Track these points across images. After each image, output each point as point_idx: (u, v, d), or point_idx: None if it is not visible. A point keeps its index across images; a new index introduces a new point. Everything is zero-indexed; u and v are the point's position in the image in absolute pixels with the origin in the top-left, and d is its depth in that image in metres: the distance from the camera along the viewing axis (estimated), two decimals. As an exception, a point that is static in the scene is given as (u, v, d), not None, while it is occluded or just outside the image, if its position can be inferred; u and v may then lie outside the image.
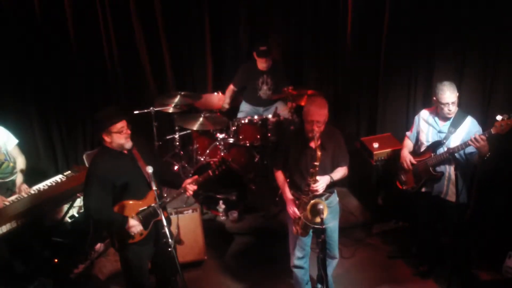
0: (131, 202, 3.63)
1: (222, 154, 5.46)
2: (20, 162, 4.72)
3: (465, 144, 3.90)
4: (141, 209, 3.66)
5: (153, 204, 3.66)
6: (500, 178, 4.67)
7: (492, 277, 4.51)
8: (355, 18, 5.51)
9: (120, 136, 3.51)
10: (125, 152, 3.61)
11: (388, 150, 5.18)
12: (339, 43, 5.87)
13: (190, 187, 3.79)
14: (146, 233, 3.69)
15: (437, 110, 4.16)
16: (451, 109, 4.04)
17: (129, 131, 3.55)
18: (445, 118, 4.14)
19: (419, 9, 5.01)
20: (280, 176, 4.02)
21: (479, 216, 4.74)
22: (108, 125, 3.47)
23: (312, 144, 3.72)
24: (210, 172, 3.85)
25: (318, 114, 3.61)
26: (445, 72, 4.92)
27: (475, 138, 3.77)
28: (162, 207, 3.73)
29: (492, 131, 3.72)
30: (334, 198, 4.01)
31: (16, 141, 4.69)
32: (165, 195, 3.87)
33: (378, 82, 5.64)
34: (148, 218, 3.67)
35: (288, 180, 4.00)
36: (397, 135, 5.38)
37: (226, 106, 6.12)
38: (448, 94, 3.98)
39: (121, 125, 3.49)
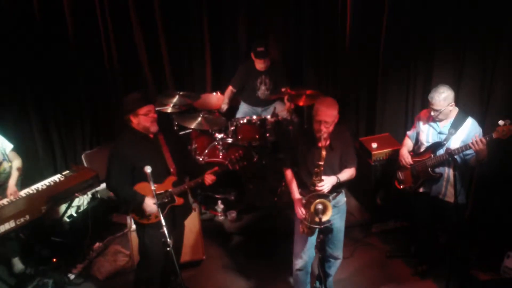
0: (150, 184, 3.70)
1: (239, 151, 5.39)
2: (17, 162, 4.71)
3: (465, 147, 3.89)
4: (158, 193, 3.72)
5: (170, 190, 3.80)
6: (499, 179, 4.67)
7: (491, 277, 4.51)
8: (354, 18, 5.51)
9: (146, 119, 3.65)
10: (151, 136, 3.74)
11: (387, 150, 5.17)
12: (338, 43, 5.87)
13: (209, 177, 3.92)
14: (163, 224, 3.71)
15: None
16: (434, 115, 4.04)
17: (155, 115, 3.69)
18: (445, 120, 4.14)
19: (418, 9, 5.01)
20: (289, 174, 3.98)
21: (478, 216, 4.74)
22: (136, 107, 3.62)
23: (320, 144, 3.71)
24: (230, 165, 3.99)
25: (326, 114, 3.58)
26: (444, 72, 4.92)
27: (475, 141, 3.76)
28: (180, 194, 3.89)
29: (494, 135, 3.71)
30: (342, 198, 3.97)
31: (11, 146, 4.68)
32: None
33: (377, 82, 5.64)
34: (164, 204, 3.77)
35: (296, 180, 3.97)
36: (395, 135, 5.37)
37: (225, 106, 6.12)
38: (437, 100, 3.96)
39: (148, 108, 3.65)
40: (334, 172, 3.75)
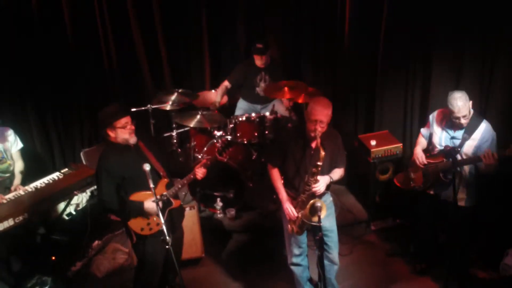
0: (143, 192, 3.68)
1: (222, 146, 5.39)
2: (20, 165, 4.76)
3: (473, 159, 3.90)
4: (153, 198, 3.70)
5: (165, 193, 3.75)
6: (498, 178, 4.67)
7: (489, 275, 4.53)
8: (353, 17, 5.49)
9: (124, 131, 3.60)
10: (131, 146, 3.69)
11: (386, 147, 5.17)
12: (337, 42, 5.85)
13: (199, 170, 3.87)
14: (162, 222, 3.70)
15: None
16: (463, 122, 3.97)
17: (133, 127, 3.65)
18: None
19: (417, 9, 5.00)
20: (275, 174, 4.01)
21: (477, 215, 4.74)
22: (113, 121, 3.56)
23: (313, 144, 3.72)
24: (217, 154, 3.95)
25: (323, 114, 3.61)
26: (442, 71, 4.91)
27: (487, 155, 3.76)
28: (174, 196, 3.84)
29: (507, 152, 3.73)
30: (328, 197, 4.01)
31: (21, 145, 4.77)
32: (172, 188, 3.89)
33: (375, 80, 5.63)
34: (162, 207, 3.70)
35: (283, 179, 3.99)
36: (394, 133, 5.38)
37: (218, 101, 5.98)
38: (461, 106, 3.88)
39: (125, 120, 3.60)
40: (323, 172, 3.77)
